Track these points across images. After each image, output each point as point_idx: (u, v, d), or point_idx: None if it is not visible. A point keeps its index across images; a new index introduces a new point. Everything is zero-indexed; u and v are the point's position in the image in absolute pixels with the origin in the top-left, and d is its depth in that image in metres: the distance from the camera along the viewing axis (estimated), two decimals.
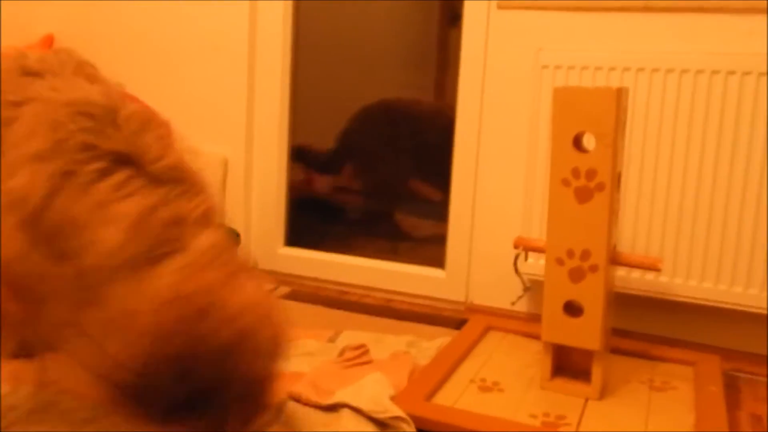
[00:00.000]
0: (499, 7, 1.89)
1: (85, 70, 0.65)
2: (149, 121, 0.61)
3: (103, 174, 0.56)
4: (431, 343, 1.68)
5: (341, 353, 1.56)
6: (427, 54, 2.30)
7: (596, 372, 1.42)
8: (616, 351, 1.62)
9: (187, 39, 2.23)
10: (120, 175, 0.56)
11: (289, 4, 2.18)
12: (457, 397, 1.41)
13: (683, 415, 1.37)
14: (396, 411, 1.27)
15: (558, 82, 1.76)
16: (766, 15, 1.66)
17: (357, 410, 1.27)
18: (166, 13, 2.25)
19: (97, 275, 0.55)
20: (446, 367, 1.51)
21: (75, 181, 0.56)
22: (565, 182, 1.39)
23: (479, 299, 2.02)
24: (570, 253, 1.40)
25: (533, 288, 1.83)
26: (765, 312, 1.65)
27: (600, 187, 1.37)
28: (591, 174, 1.37)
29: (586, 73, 1.74)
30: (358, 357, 1.52)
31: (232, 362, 0.58)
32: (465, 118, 1.98)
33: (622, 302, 1.80)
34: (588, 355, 1.43)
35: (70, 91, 0.60)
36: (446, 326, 1.82)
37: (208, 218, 0.61)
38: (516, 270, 1.65)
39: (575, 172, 1.38)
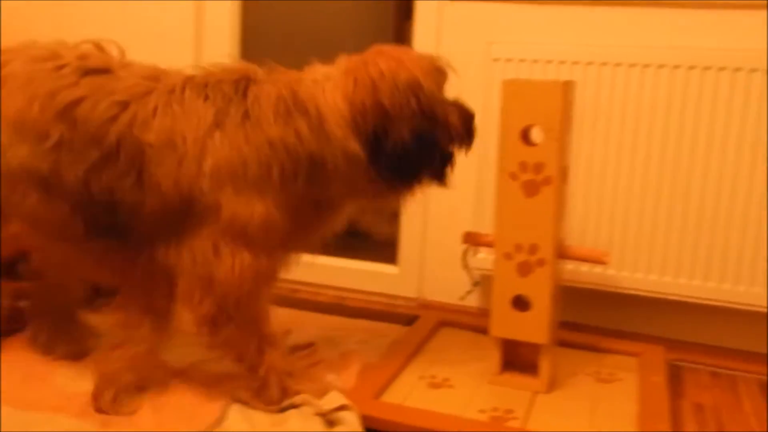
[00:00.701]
0: (451, 0, 1.88)
1: None
2: None
3: None
4: (382, 340, 1.66)
5: (290, 353, 1.53)
6: None
7: (544, 365, 1.43)
8: (564, 344, 1.63)
9: (129, 40, 2.18)
10: None
11: (237, 4, 2.14)
12: (406, 394, 1.40)
13: (627, 405, 1.38)
14: (340, 400, 1.26)
15: (509, 75, 1.75)
16: (707, 9, 1.69)
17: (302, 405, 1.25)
18: (108, 13, 2.20)
19: None
20: (396, 365, 1.50)
21: None
22: (513, 176, 1.39)
23: (432, 295, 2.01)
24: (518, 248, 1.40)
25: (484, 283, 1.83)
26: (708, 302, 1.68)
27: (547, 180, 1.37)
28: (538, 168, 1.37)
29: (536, 67, 1.74)
30: (307, 356, 1.50)
31: None
32: None
33: (571, 295, 1.81)
34: (536, 348, 1.43)
35: None
36: (399, 323, 1.81)
37: None
38: (465, 265, 1.64)
39: (523, 166, 1.38)
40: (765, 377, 1.61)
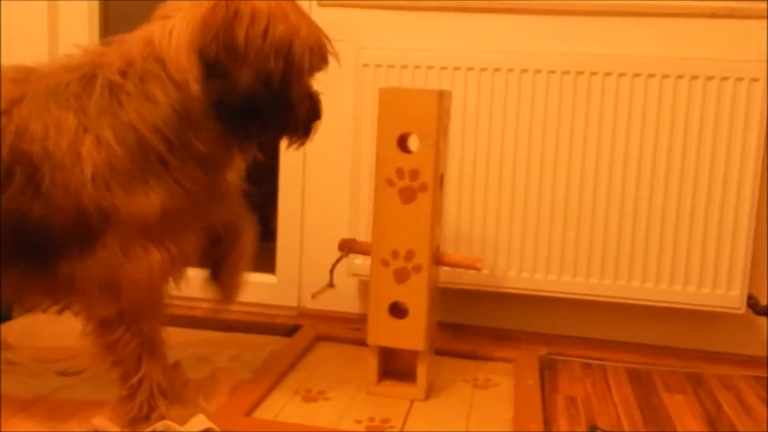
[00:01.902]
0: (320, 5, 1.86)
1: None
2: None
3: None
4: (260, 354, 1.61)
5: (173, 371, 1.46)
6: None
7: (421, 373, 1.43)
8: (443, 352, 1.65)
9: None
10: None
11: (95, 5, 2.02)
12: (279, 409, 1.37)
13: (503, 410, 1.41)
14: (203, 424, 1.20)
15: (379, 81, 1.76)
16: (566, 16, 1.77)
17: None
18: None
19: None
20: (270, 380, 1.45)
21: None
22: (390, 182, 1.39)
23: (312, 303, 1.98)
24: (394, 254, 1.40)
25: (362, 290, 1.83)
26: (579, 297, 1.77)
27: (423, 187, 1.37)
28: (414, 174, 1.37)
29: (406, 72, 1.75)
30: (177, 377, 1.42)
31: None
32: None
33: (450, 296, 1.84)
34: (414, 356, 1.43)
35: None
36: (278, 334, 1.77)
37: None
38: (332, 270, 1.65)
39: (399, 173, 1.38)
40: (632, 365, 1.70)
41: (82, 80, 1.18)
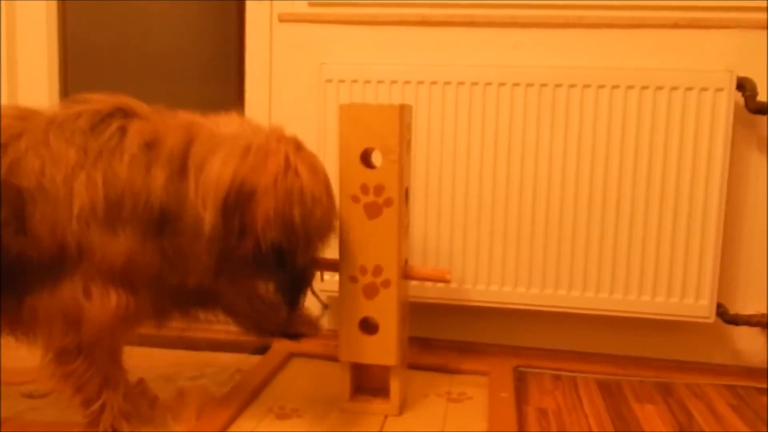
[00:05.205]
0: (281, 20, 1.85)
1: None
2: None
3: None
4: (229, 373, 1.59)
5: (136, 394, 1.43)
6: (230, 66, 2.20)
7: (394, 388, 1.42)
8: (415, 366, 1.64)
9: None
10: None
11: (53, 5, 1.99)
12: (252, 427, 1.35)
13: (477, 423, 1.40)
14: None
15: (342, 96, 1.75)
16: (528, 29, 1.77)
17: None
18: None
19: None
20: (242, 398, 1.44)
21: None
22: (355, 198, 1.38)
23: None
24: (363, 270, 1.39)
25: (332, 306, 1.81)
26: (548, 309, 1.76)
27: (388, 202, 1.37)
28: (379, 190, 1.37)
29: (369, 87, 1.75)
30: (141, 395, 1.40)
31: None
32: None
33: (418, 310, 1.83)
34: (386, 371, 1.42)
35: None
36: (248, 352, 1.74)
37: None
38: (313, 292, 1.62)
39: (364, 188, 1.37)
40: (602, 376, 1.70)
41: (96, 117, 1.20)
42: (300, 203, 1.18)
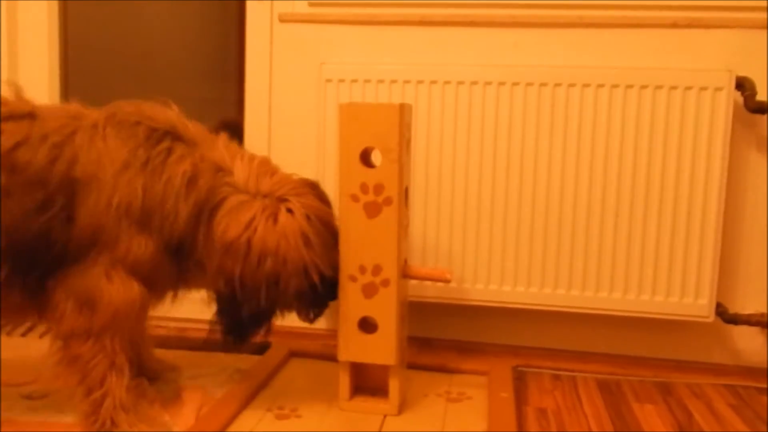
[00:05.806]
0: (281, 20, 1.85)
1: None
2: None
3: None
4: (228, 372, 1.59)
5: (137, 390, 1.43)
6: (229, 66, 2.20)
7: (393, 387, 1.42)
8: (415, 366, 1.63)
9: None
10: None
11: (54, 5, 1.99)
12: (252, 427, 1.35)
13: (477, 423, 1.40)
14: None
15: (342, 95, 1.75)
16: (528, 28, 1.77)
17: None
18: None
19: None
20: (242, 398, 1.43)
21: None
22: (354, 198, 1.38)
23: (281, 320, 1.95)
24: (362, 269, 1.39)
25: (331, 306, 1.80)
26: (547, 308, 1.76)
27: (388, 201, 1.37)
28: (378, 189, 1.37)
29: (369, 87, 1.75)
30: (137, 392, 1.40)
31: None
32: (253, 134, 1.91)
33: (417, 310, 1.83)
34: (385, 371, 1.42)
35: None
36: (247, 352, 1.74)
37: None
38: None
39: (363, 188, 1.37)
40: (602, 376, 1.70)
41: (151, 131, 1.30)
42: (244, 259, 1.29)
